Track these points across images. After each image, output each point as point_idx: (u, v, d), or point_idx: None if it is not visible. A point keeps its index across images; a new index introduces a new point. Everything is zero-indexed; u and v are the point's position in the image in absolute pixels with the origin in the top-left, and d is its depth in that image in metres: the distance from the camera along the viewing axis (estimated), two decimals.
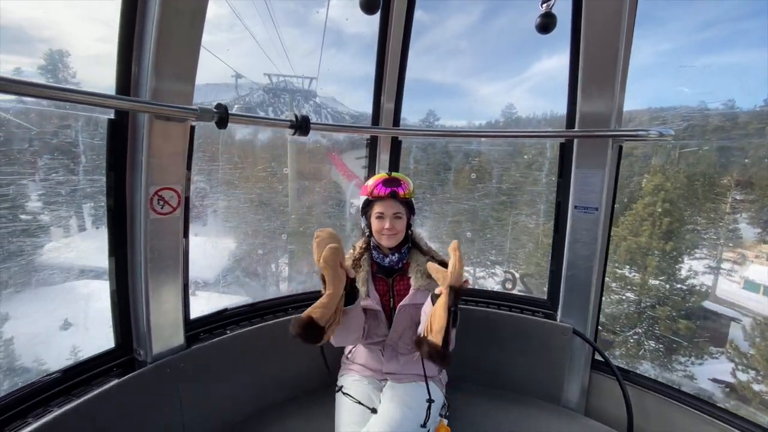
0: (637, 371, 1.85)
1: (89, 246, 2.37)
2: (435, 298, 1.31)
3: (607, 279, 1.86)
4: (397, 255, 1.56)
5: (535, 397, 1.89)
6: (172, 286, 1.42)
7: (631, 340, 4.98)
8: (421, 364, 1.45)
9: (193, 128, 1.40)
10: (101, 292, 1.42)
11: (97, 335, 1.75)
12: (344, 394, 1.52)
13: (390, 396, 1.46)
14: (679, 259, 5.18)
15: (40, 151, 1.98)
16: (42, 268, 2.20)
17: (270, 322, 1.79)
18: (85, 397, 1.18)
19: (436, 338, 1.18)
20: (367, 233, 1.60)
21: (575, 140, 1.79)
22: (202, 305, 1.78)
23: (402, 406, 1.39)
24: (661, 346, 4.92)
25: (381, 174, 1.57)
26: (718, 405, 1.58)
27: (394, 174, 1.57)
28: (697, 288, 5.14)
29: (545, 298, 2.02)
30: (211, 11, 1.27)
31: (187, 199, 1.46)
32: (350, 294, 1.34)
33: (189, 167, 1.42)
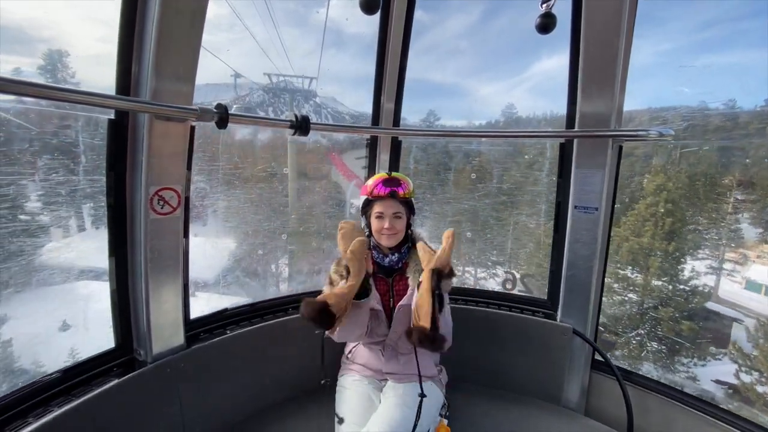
0: (640, 372, 1.84)
1: (89, 246, 2.37)
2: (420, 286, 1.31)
3: (609, 280, 1.86)
4: (396, 255, 1.56)
5: (535, 397, 1.89)
6: (172, 286, 1.42)
7: (634, 342, 4.96)
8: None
9: (193, 128, 1.40)
10: (101, 292, 1.43)
11: (97, 335, 1.75)
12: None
13: (390, 396, 1.46)
14: (682, 259, 5.16)
15: (40, 151, 1.98)
16: (42, 268, 2.20)
17: (270, 322, 1.79)
18: (86, 397, 1.18)
19: (424, 321, 1.18)
20: (367, 233, 1.60)
21: (575, 140, 1.79)
22: (202, 306, 1.78)
23: (402, 406, 1.39)
24: (663, 347, 4.90)
25: (381, 174, 1.57)
26: (719, 406, 1.58)
27: (394, 174, 1.57)
28: (700, 289, 5.12)
29: (545, 298, 2.02)
30: (211, 11, 1.27)
31: (187, 199, 1.46)
32: (361, 289, 1.35)
33: (189, 167, 1.43)
